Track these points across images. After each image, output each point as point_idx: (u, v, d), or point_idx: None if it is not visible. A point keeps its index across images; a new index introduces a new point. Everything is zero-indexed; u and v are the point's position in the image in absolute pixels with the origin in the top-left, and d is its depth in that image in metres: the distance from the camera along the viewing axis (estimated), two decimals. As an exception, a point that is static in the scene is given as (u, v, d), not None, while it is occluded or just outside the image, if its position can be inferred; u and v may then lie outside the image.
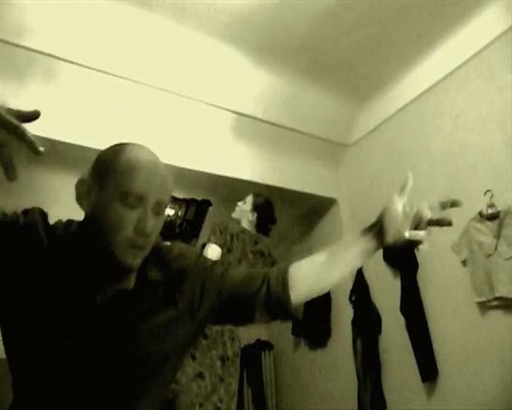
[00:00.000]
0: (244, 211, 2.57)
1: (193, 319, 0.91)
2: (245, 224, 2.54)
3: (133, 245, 0.81)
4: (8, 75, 2.47)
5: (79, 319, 0.82)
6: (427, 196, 3.13)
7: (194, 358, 2.18)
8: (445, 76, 2.90)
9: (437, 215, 0.88)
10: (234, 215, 2.60)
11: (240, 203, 2.61)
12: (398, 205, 0.88)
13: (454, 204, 0.88)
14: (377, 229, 0.91)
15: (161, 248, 0.93)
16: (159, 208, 0.83)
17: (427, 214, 0.87)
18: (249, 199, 2.59)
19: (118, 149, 0.84)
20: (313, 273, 0.94)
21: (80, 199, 0.85)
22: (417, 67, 3.03)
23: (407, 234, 0.87)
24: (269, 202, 2.63)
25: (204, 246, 2.31)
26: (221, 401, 2.16)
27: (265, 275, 0.94)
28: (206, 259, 0.99)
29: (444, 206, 0.88)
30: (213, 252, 2.25)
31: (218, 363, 2.20)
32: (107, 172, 0.81)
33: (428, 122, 3.00)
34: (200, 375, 2.14)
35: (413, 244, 0.88)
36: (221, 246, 2.27)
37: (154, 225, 0.82)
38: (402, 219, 0.88)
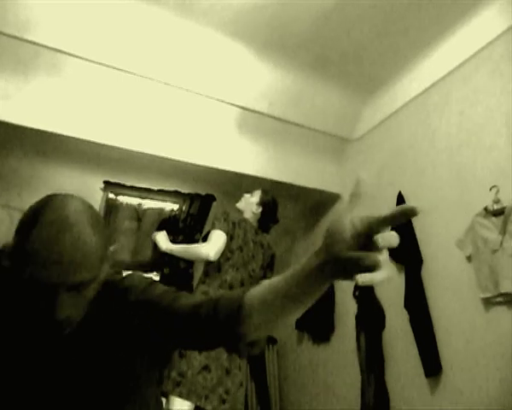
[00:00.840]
0: (250, 203, 2.58)
1: (142, 355, 0.89)
2: (247, 215, 2.56)
3: (54, 325, 0.77)
4: (13, 69, 2.48)
5: (24, 360, 0.81)
6: (433, 192, 3.09)
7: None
8: (451, 71, 2.87)
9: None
10: (238, 205, 2.61)
11: (247, 195, 2.63)
12: (345, 218, 0.63)
13: (409, 213, 0.59)
14: (326, 255, 0.64)
15: (111, 285, 0.90)
16: (77, 288, 0.76)
17: (378, 230, 0.61)
18: (257, 193, 2.61)
19: (31, 220, 0.75)
20: (267, 310, 0.77)
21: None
22: (423, 61, 3.01)
23: (342, 254, 0.61)
24: (275, 202, 2.64)
25: (208, 233, 2.33)
26: (227, 392, 2.17)
27: (211, 306, 0.82)
28: (154, 289, 0.91)
29: (395, 218, 0.60)
30: (219, 238, 2.27)
31: (224, 356, 2.20)
32: (18, 251, 0.75)
33: (434, 117, 2.98)
34: (206, 368, 2.14)
35: (359, 270, 0.59)
36: (225, 233, 2.30)
37: (70, 307, 0.76)
38: (349, 237, 0.61)
